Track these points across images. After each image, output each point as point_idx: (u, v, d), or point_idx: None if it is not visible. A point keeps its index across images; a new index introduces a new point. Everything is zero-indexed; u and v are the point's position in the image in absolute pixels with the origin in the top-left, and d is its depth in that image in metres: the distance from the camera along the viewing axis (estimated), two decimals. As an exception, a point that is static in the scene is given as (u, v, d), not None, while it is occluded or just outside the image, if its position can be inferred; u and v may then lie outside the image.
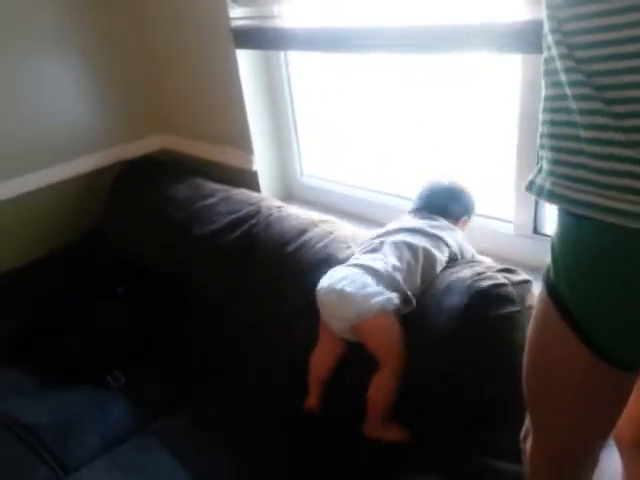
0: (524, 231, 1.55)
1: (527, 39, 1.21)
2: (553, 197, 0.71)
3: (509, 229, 1.58)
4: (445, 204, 1.46)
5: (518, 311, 1.18)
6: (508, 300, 1.18)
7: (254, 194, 1.88)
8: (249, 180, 2.03)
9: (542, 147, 0.74)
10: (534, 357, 0.87)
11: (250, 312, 1.64)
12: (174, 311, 1.79)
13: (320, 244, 1.54)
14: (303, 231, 1.60)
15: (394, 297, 1.29)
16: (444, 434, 1.20)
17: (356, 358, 1.36)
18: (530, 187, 0.76)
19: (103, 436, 1.50)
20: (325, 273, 1.41)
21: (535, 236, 1.54)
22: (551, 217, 1.52)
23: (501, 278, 1.21)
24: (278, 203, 1.80)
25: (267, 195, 1.98)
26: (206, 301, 1.77)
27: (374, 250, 1.38)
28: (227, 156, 2.08)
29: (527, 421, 0.94)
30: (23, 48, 1.94)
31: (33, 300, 1.89)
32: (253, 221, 1.71)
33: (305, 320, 1.48)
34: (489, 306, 1.18)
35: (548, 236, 1.52)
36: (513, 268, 1.27)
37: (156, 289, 1.81)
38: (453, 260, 1.38)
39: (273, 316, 1.58)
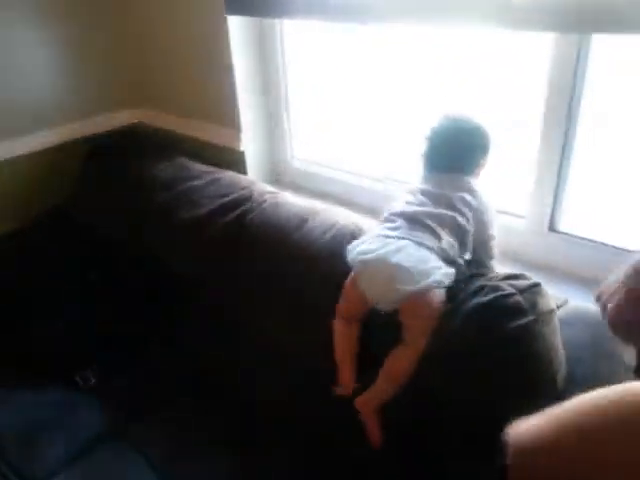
0: (538, 227, 1.44)
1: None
2: None
3: (521, 224, 1.47)
4: (459, 157, 1.28)
5: (533, 320, 1.07)
6: (519, 311, 1.07)
7: (244, 177, 1.73)
8: (235, 161, 1.87)
9: None
10: None
11: (240, 304, 1.50)
12: (154, 303, 1.61)
13: (325, 234, 1.40)
14: (304, 220, 1.45)
15: (451, 272, 1.16)
16: (467, 450, 1.09)
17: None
18: None
19: (72, 443, 1.33)
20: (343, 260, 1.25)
21: (550, 233, 1.43)
22: (571, 211, 1.42)
23: (507, 287, 1.10)
24: (270, 188, 1.64)
25: (255, 178, 1.82)
26: (192, 293, 1.62)
27: (410, 225, 1.22)
28: (212, 134, 1.91)
29: None
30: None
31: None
32: (246, 206, 1.55)
33: (304, 315, 1.36)
34: (500, 321, 1.07)
35: (565, 234, 1.42)
36: (518, 273, 1.16)
37: (131, 277, 1.64)
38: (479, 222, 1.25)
39: (265, 310, 1.45)
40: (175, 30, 1.88)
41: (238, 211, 1.55)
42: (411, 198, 1.27)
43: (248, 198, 1.57)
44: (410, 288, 1.12)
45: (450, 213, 1.21)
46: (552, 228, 1.43)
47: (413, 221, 1.21)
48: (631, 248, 1.30)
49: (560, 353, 1.09)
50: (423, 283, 1.11)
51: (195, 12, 1.77)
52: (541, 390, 1.06)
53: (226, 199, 1.59)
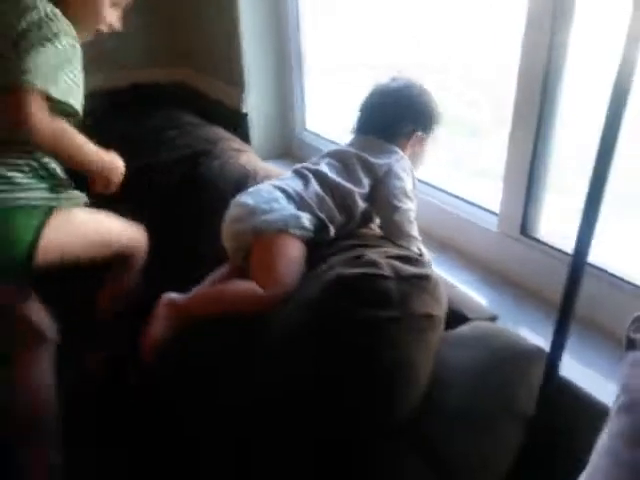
0: (510, 230, 1.13)
1: None
2: None
3: (492, 224, 1.17)
4: (386, 120, 1.11)
5: (394, 318, 0.80)
6: (383, 300, 0.81)
7: (221, 132, 1.61)
8: (238, 122, 1.76)
9: None
10: None
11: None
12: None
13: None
14: (241, 181, 1.31)
15: (304, 217, 1.01)
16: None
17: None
18: None
19: None
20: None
21: (522, 238, 1.12)
22: (548, 216, 1.10)
23: (386, 267, 0.84)
24: (237, 145, 1.51)
25: (221, 133, 1.64)
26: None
27: (292, 176, 1.11)
28: (216, 90, 1.82)
29: None
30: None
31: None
32: (201, 160, 1.44)
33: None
34: (350, 304, 0.82)
35: (539, 241, 1.10)
36: (416, 257, 0.90)
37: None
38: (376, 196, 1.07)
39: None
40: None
41: (193, 163, 1.44)
42: (319, 159, 1.13)
43: (207, 152, 1.46)
44: (249, 227, 1.01)
45: (341, 180, 1.05)
46: (524, 232, 1.12)
47: (297, 174, 1.10)
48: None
49: (422, 372, 0.82)
50: (261, 221, 1.00)
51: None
52: (376, 409, 0.81)
53: (189, 150, 1.49)
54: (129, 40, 1.97)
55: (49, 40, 0.98)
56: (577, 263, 0.72)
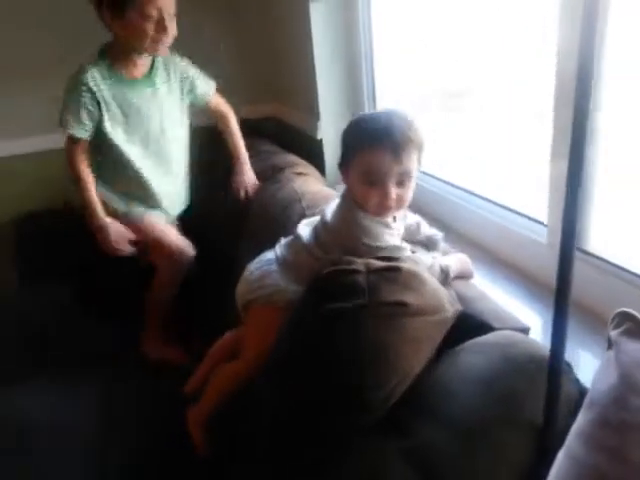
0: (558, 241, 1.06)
1: None
2: None
3: (542, 235, 1.11)
4: None
5: (361, 306, 0.82)
6: (348, 291, 0.84)
7: (292, 158, 1.68)
8: (313, 148, 1.83)
9: None
10: None
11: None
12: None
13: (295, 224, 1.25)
14: (285, 207, 1.37)
15: (290, 289, 1.04)
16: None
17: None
18: None
19: None
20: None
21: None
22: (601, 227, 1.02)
23: (360, 264, 0.87)
24: (303, 169, 1.58)
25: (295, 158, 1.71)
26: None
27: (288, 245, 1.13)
28: (297, 121, 1.92)
29: None
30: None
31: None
32: (265, 184, 1.55)
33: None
34: (318, 299, 0.87)
35: (587, 253, 1.02)
36: (395, 256, 0.91)
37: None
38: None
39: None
40: (269, 14, 1.97)
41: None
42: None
43: (272, 177, 1.55)
44: (242, 297, 1.11)
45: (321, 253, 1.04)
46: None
47: (292, 243, 1.11)
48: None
49: (397, 354, 0.82)
50: (252, 294, 1.08)
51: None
52: (336, 398, 0.84)
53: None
54: (234, 82, 2.17)
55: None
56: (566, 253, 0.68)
